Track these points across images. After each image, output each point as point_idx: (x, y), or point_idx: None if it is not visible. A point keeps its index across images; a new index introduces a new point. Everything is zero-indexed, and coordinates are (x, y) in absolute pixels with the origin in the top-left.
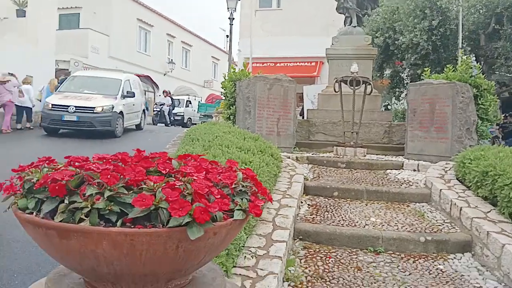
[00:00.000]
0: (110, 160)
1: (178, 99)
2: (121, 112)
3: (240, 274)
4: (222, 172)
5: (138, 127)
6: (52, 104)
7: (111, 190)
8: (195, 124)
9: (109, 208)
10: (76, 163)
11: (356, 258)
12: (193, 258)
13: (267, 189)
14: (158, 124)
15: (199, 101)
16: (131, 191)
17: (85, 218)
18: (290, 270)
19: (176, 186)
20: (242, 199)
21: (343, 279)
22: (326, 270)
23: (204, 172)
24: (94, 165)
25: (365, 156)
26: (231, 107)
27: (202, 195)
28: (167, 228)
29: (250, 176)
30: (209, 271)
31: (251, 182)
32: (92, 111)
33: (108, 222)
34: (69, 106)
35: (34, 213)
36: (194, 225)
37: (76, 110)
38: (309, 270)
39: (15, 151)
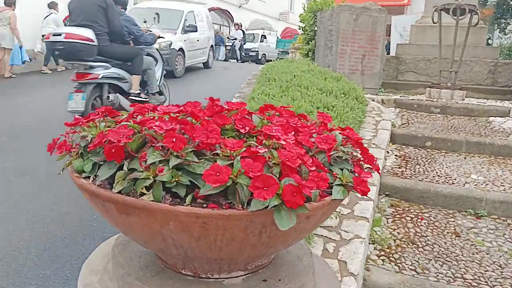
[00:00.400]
0: (177, 115)
1: (253, 34)
2: (181, 49)
3: (321, 235)
4: (314, 131)
5: (206, 65)
6: None
7: (178, 156)
8: (270, 61)
9: (177, 179)
10: (139, 117)
11: (454, 221)
12: (279, 244)
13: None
14: (230, 60)
15: (277, 36)
16: (203, 159)
17: (146, 192)
18: (376, 231)
19: (259, 154)
20: (342, 169)
21: (439, 246)
22: (417, 233)
23: (293, 132)
24: (157, 124)
25: (463, 100)
26: (310, 42)
27: (293, 169)
28: (248, 211)
29: (354, 139)
30: (294, 246)
31: (354, 147)
32: None
33: (175, 196)
34: None
35: (91, 178)
36: (283, 209)
37: None
38: (398, 233)
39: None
